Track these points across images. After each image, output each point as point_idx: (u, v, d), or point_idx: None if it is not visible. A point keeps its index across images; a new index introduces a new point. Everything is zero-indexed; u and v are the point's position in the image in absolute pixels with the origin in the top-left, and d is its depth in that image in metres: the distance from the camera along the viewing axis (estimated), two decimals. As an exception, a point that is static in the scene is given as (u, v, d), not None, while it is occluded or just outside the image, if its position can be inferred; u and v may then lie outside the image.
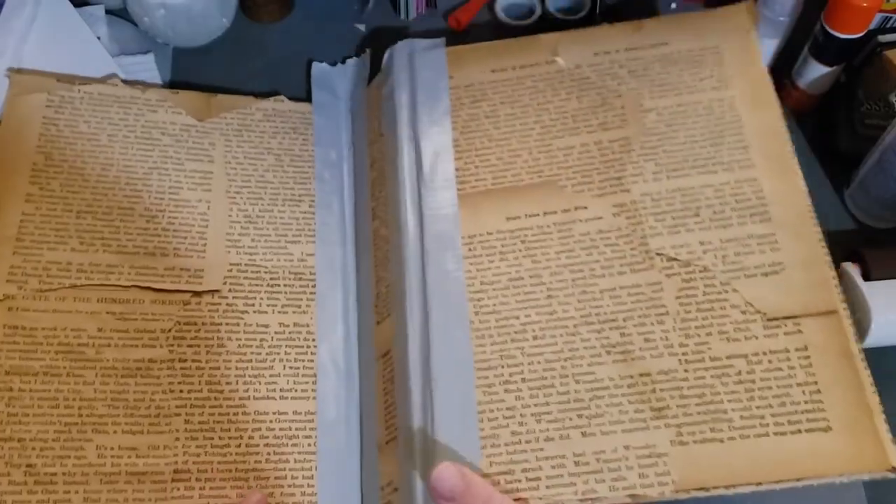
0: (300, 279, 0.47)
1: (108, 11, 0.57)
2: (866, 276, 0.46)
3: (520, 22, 0.59)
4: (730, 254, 0.42)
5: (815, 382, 0.39)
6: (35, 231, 0.46)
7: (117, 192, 0.48)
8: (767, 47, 0.56)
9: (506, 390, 0.40)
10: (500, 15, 0.59)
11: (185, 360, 0.44)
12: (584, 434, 0.38)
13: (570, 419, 0.39)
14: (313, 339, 0.46)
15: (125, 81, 0.52)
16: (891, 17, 0.52)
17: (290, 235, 0.49)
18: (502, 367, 0.40)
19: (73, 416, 0.41)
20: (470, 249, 0.44)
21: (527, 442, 0.39)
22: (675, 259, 0.42)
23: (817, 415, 0.38)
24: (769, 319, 0.40)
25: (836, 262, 0.47)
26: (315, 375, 0.45)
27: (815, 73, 0.53)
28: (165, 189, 0.48)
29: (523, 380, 0.40)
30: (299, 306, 0.46)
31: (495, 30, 0.61)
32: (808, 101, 0.55)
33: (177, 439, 0.42)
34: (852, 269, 0.47)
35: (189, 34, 0.56)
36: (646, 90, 0.47)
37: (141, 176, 0.48)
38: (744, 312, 0.40)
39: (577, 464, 0.38)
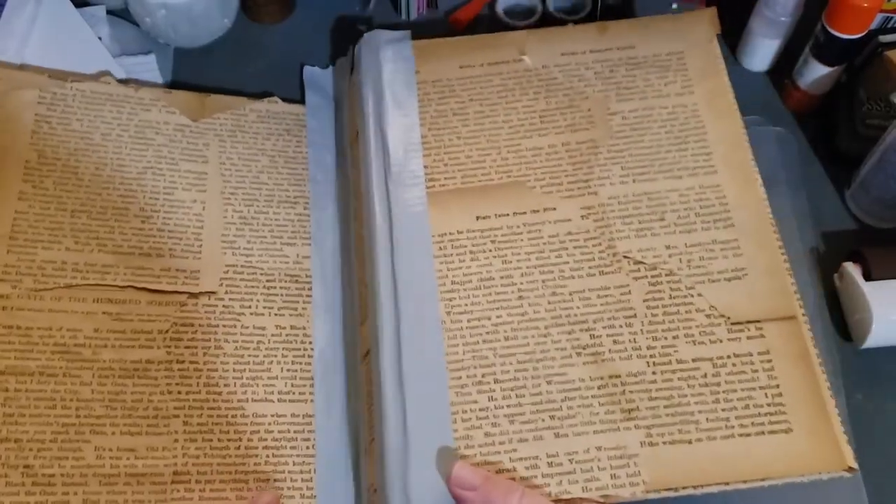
0: (296, 281, 0.47)
1: (109, 12, 0.57)
2: (867, 276, 0.47)
3: (521, 22, 0.59)
4: (695, 258, 0.43)
5: (777, 386, 0.40)
6: (29, 229, 0.45)
7: (111, 192, 0.48)
8: (768, 48, 0.56)
9: (479, 391, 0.40)
10: (501, 15, 0.59)
11: (183, 362, 0.44)
12: (556, 435, 0.39)
13: (543, 420, 0.39)
14: (310, 342, 0.46)
15: (118, 80, 0.52)
16: (891, 18, 0.52)
17: (286, 237, 0.49)
18: (475, 367, 0.41)
19: (70, 417, 0.41)
20: (440, 248, 0.44)
21: (500, 443, 0.39)
22: (641, 262, 0.43)
23: (779, 417, 0.39)
24: (733, 323, 0.41)
25: (837, 262, 0.47)
26: (312, 378, 0.45)
27: (816, 73, 0.53)
28: (160, 189, 0.49)
29: (496, 381, 0.40)
30: (296, 309, 0.47)
31: (496, 30, 0.61)
32: (810, 102, 0.55)
33: (175, 441, 0.42)
34: (853, 269, 0.47)
35: (190, 35, 0.57)
36: (612, 93, 0.48)
37: (135, 176, 0.49)
38: (708, 316, 0.42)
39: (550, 465, 0.38)
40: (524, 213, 0.45)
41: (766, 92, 0.57)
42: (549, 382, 0.40)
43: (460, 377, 0.40)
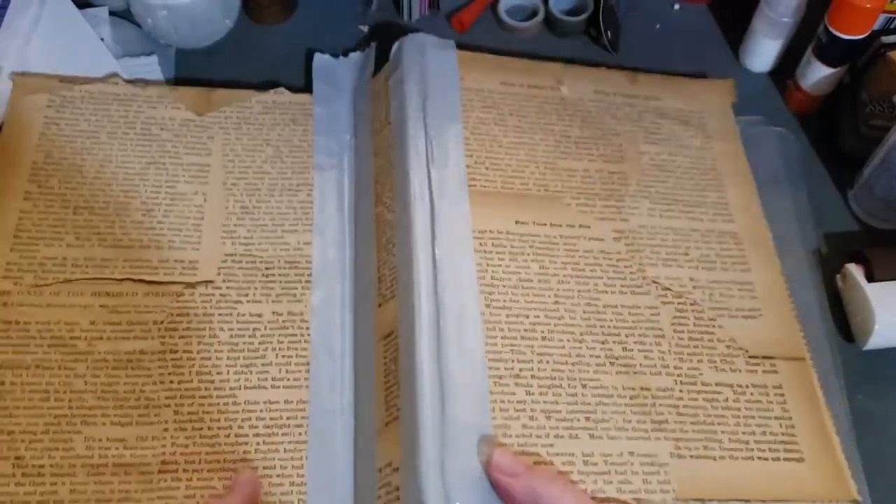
0: (296, 268, 0.48)
1: (111, 13, 0.58)
2: (870, 278, 0.48)
3: (522, 23, 0.60)
4: (715, 294, 0.47)
5: (790, 418, 0.44)
6: (32, 228, 0.48)
7: (114, 188, 0.50)
8: (771, 48, 0.57)
9: (516, 384, 0.42)
10: (503, 16, 0.60)
11: (177, 352, 0.45)
12: (591, 436, 0.41)
13: (579, 420, 0.41)
14: (307, 327, 0.47)
15: (127, 80, 0.54)
16: (894, 18, 0.54)
17: (287, 225, 0.50)
18: (513, 360, 0.42)
19: (62, 409, 0.43)
20: (481, 244, 0.46)
21: (537, 437, 0.40)
22: (668, 289, 0.47)
23: (792, 446, 0.43)
24: (750, 356, 0.45)
25: (840, 263, 0.48)
26: (308, 363, 0.46)
27: (818, 74, 0.54)
28: (162, 182, 0.50)
29: (533, 376, 0.42)
30: (294, 295, 0.47)
31: (498, 32, 0.61)
32: (812, 102, 0.56)
33: (165, 430, 0.43)
34: (856, 271, 0.48)
35: (192, 35, 0.57)
36: (640, 135, 0.53)
37: (138, 171, 0.50)
38: (728, 347, 0.45)
39: (585, 463, 0.40)
40: (560, 225, 0.48)
41: (768, 92, 0.58)
42: (584, 386, 0.42)
43: (498, 368, 0.42)
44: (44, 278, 0.46)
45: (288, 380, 0.45)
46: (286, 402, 0.44)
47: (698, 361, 0.44)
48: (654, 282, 0.46)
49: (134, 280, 0.46)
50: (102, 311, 0.45)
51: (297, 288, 0.47)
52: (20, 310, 0.45)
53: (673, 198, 0.50)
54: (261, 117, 0.53)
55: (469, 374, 0.41)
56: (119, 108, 0.52)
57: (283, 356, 0.45)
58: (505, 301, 0.44)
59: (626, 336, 0.44)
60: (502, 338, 0.43)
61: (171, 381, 0.44)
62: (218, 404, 0.43)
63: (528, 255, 0.46)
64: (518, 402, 0.41)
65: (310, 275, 0.48)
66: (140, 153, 0.51)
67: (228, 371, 0.44)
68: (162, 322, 0.45)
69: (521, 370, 0.42)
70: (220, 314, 0.46)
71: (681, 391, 0.43)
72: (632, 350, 0.44)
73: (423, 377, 0.41)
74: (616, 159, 0.51)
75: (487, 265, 0.45)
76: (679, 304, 0.46)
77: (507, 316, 0.43)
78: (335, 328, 0.47)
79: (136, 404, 0.43)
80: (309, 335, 0.46)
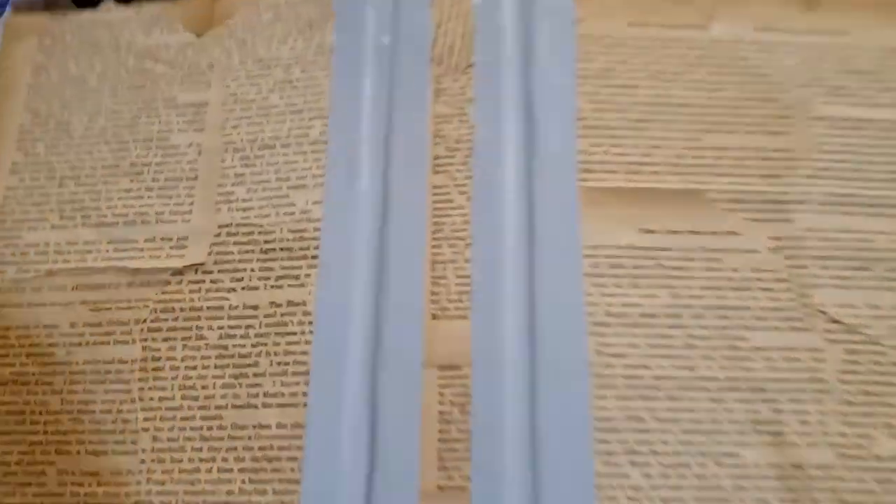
0: (301, 238, 0.40)
1: None
2: None
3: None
4: None
5: None
6: (17, 208, 0.43)
7: (102, 148, 0.44)
8: None
9: (631, 463, 0.35)
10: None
11: (159, 360, 0.39)
12: None
13: None
14: (309, 322, 0.39)
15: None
16: None
17: (294, 178, 0.41)
18: (628, 431, 0.36)
19: (38, 434, 0.39)
20: (594, 266, 0.38)
21: None
22: (838, 322, 0.38)
23: None
24: None
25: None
26: (307, 373, 0.38)
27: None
28: (154, 134, 0.44)
29: (654, 452, 0.35)
30: (297, 277, 0.39)
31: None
32: None
33: (142, 462, 0.37)
34: None
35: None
36: (818, 91, 0.42)
37: (128, 122, 0.44)
38: None
39: None
40: (700, 233, 0.39)
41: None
42: (717, 464, 0.35)
43: (609, 442, 0.35)
44: (26, 270, 0.41)
45: (283, 395, 0.38)
46: (278, 425, 0.37)
47: (871, 427, 0.36)
48: (821, 311, 0.38)
49: (117, 268, 0.41)
50: (83, 310, 0.40)
51: (300, 267, 0.39)
52: (1, 312, 0.42)
53: (857, 185, 0.40)
54: (271, 28, 0.45)
55: (571, 450, 0.35)
56: (111, 41, 0.46)
57: (280, 363, 0.38)
58: (621, 346, 0.36)
59: (778, 392, 0.36)
60: (616, 398, 0.36)
61: (152, 398, 0.38)
62: (201, 428, 0.37)
63: (656, 279, 0.38)
64: (631, 487, 0.34)
65: (317, 248, 0.40)
66: (131, 98, 0.45)
67: (215, 384, 0.38)
68: (144, 321, 0.39)
69: (637, 444, 0.35)
70: (209, 307, 0.39)
71: (844, 468, 0.35)
72: (783, 412, 0.36)
73: (509, 450, 0.34)
74: (780, 129, 0.41)
75: (601, 296, 0.37)
76: (852, 343, 0.37)
77: (624, 367, 0.36)
78: (352, 327, 0.38)
79: (113, 428, 0.38)
80: (311, 334, 0.38)
